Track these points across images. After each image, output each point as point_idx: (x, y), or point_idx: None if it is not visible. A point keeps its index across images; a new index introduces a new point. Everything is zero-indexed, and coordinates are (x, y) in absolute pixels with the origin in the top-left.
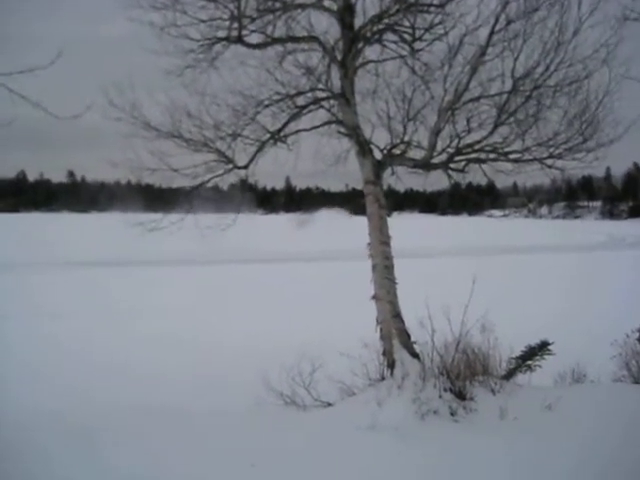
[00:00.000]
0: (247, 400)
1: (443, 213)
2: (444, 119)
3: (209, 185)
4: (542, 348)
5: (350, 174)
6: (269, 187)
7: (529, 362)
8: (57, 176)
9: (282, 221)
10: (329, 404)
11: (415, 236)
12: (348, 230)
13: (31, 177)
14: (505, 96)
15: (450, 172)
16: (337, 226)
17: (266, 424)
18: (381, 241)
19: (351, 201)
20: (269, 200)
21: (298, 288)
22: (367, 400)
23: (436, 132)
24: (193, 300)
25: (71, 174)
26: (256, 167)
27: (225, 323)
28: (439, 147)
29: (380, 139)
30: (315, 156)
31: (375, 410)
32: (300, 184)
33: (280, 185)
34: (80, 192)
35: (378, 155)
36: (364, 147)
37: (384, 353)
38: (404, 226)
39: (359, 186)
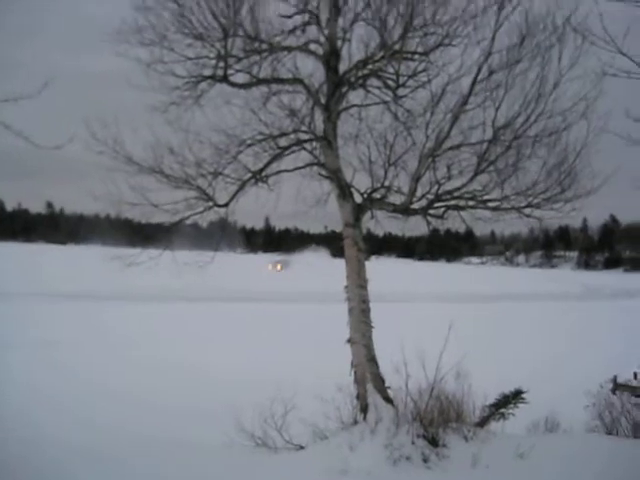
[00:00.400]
0: (221, 436)
1: (421, 258)
2: (425, 165)
3: (188, 222)
4: (516, 396)
5: (330, 216)
6: (249, 226)
7: (503, 410)
8: (35, 206)
9: (261, 261)
10: (301, 447)
11: (393, 280)
12: (328, 272)
13: (9, 206)
14: (486, 145)
15: (429, 218)
16: (317, 267)
17: (237, 465)
18: (358, 284)
19: (330, 243)
20: (248, 239)
21: (275, 328)
22: (339, 444)
23: (416, 178)
24: (176, 335)
25: (50, 205)
26: (236, 206)
27: (206, 358)
28: (419, 193)
29: (361, 183)
30: (296, 197)
31: (347, 454)
32: (280, 224)
33: (260, 225)
34: (58, 223)
35: (358, 198)
36: (345, 190)
37: (358, 397)
38: (382, 270)
39: (339, 228)
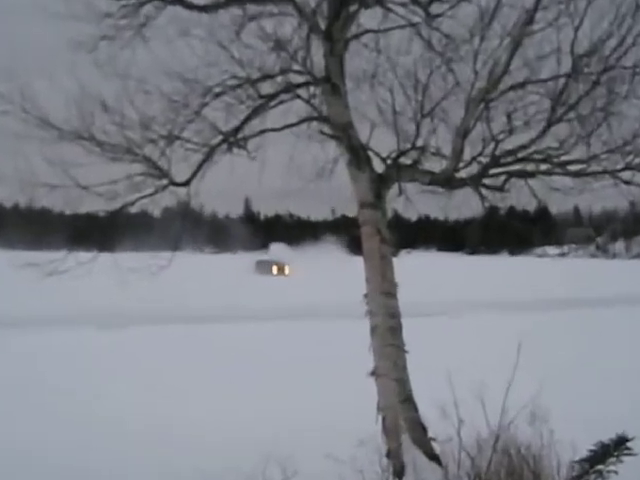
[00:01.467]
0: None
1: (473, 251)
2: (474, 114)
3: (133, 209)
4: (619, 446)
5: (339, 194)
6: (221, 213)
7: (601, 467)
8: None
9: (241, 263)
10: None
11: (433, 284)
12: (341, 275)
13: None
14: (562, 81)
15: (483, 191)
16: (326, 269)
17: None
18: (383, 291)
19: (338, 233)
20: (221, 232)
21: (265, 358)
22: None
23: (463, 133)
24: (119, 375)
25: None
26: (202, 184)
27: (171, 409)
28: (467, 155)
29: (382, 143)
30: (288, 168)
31: None
32: (266, 209)
33: (237, 210)
34: None
35: (379, 166)
36: (359, 155)
37: (388, 454)
38: (417, 270)
39: (352, 211)
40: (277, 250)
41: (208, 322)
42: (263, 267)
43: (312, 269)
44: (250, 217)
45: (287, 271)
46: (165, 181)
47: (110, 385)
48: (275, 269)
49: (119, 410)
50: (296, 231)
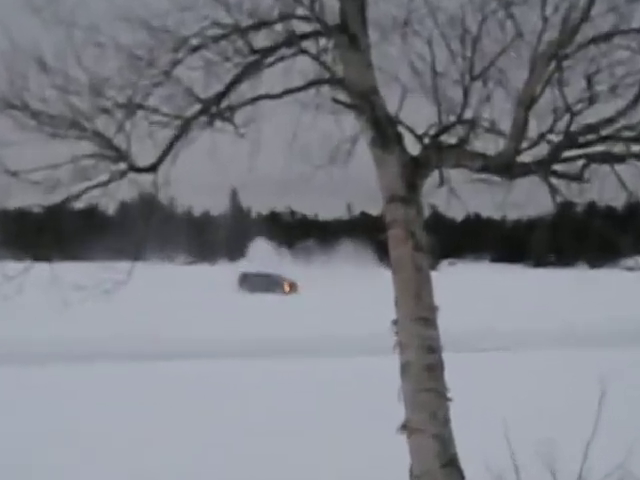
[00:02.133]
0: None
1: (539, 263)
2: (542, 77)
3: (80, 205)
4: None
5: (357, 185)
6: (199, 210)
7: None
8: None
9: (223, 278)
10: None
11: (485, 308)
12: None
13: None
14: None
15: (554, 181)
16: (340, 285)
17: None
18: (419, 317)
19: (356, 237)
20: (198, 236)
21: (255, 410)
22: None
23: (527, 103)
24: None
25: None
26: (173, 170)
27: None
28: (533, 132)
29: (418, 116)
30: (290, 150)
31: None
32: (260, 205)
33: (220, 207)
34: None
35: (414, 147)
36: (386, 131)
37: None
38: (463, 288)
39: (376, 208)
40: (260, 252)
41: (178, 358)
42: (251, 282)
43: (320, 285)
44: (238, 215)
45: (286, 288)
46: (123, 165)
47: None
48: (297, 286)
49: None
50: (300, 233)
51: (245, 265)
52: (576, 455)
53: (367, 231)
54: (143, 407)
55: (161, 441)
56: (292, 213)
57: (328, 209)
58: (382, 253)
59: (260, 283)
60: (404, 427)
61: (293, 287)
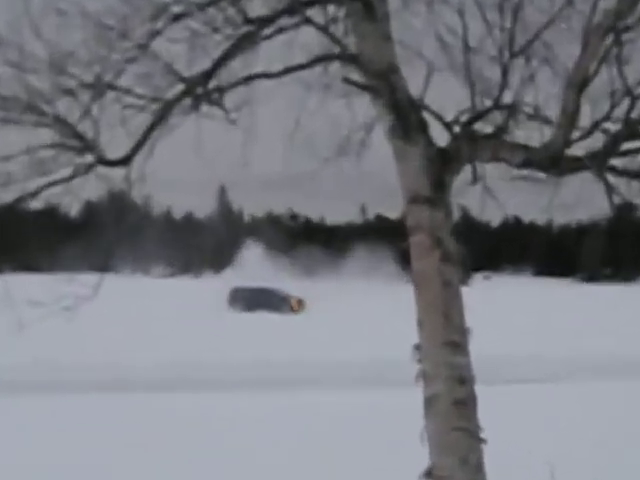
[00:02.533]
0: None
1: (592, 277)
2: (597, 53)
3: (36, 204)
4: None
5: (372, 183)
6: (180, 211)
7: None
8: None
9: (208, 293)
10: None
11: (527, 331)
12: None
13: None
14: None
15: (611, 178)
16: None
17: None
18: (447, 342)
19: (371, 243)
20: (179, 242)
21: (249, 452)
22: None
23: (579, 84)
24: None
25: None
26: (150, 164)
27: None
28: (585, 119)
29: (446, 99)
30: (291, 140)
31: None
32: (253, 205)
33: (206, 207)
34: None
35: (441, 137)
36: (408, 117)
37: None
38: (500, 306)
39: (394, 211)
40: (253, 259)
41: (153, 390)
42: (245, 299)
43: (329, 302)
44: (227, 217)
45: (294, 306)
46: (90, 157)
47: None
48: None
49: None
50: (302, 240)
51: (233, 277)
52: None
53: (384, 238)
54: (116, 447)
55: None
56: (293, 216)
57: (337, 212)
58: (403, 264)
59: (256, 300)
60: (428, 474)
61: (301, 305)
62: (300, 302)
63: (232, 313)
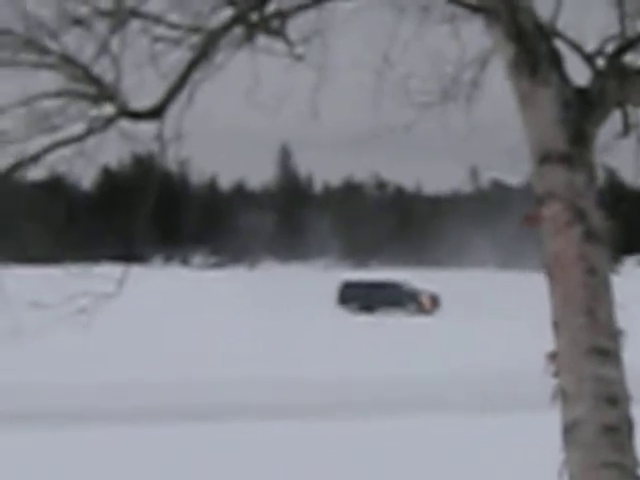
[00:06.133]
0: None
1: None
2: None
3: (40, 172)
4: None
5: (486, 140)
6: (229, 183)
7: None
8: None
9: (276, 289)
10: None
11: None
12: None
13: None
14: None
15: None
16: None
17: None
18: (592, 347)
19: (486, 219)
20: (229, 223)
21: None
22: None
23: None
24: None
25: None
26: (188, 118)
27: None
28: None
29: (586, 24)
30: (378, 82)
31: None
32: (326, 171)
33: (263, 176)
34: None
35: (581, 75)
36: (535, 49)
37: None
38: None
39: (517, 176)
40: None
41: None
42: (360, 296)
43: (460, 299)
44: (292, 188)
45: (425, 304)
46: (110, 108)
47: None
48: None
49: None
50: (394, 217)
51: (344, 271)
52: None
53: (503, 211)
54: None
55: None
56: (381, 185)
57: (440, 177)
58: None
59: (376, 297)
60: None
61: (435, 302)
62: (434, 299)
63: (345, 314)
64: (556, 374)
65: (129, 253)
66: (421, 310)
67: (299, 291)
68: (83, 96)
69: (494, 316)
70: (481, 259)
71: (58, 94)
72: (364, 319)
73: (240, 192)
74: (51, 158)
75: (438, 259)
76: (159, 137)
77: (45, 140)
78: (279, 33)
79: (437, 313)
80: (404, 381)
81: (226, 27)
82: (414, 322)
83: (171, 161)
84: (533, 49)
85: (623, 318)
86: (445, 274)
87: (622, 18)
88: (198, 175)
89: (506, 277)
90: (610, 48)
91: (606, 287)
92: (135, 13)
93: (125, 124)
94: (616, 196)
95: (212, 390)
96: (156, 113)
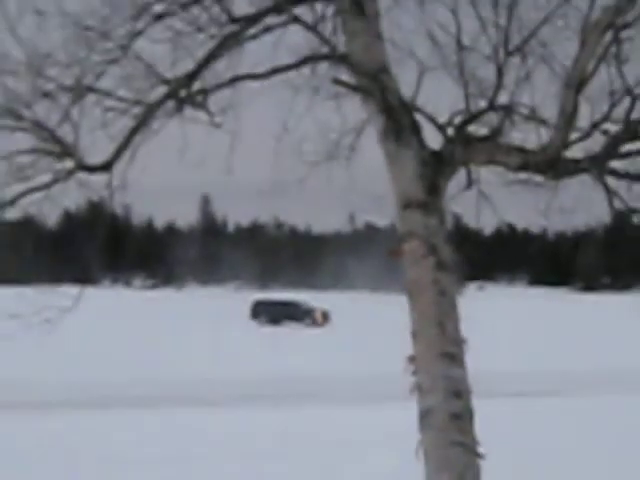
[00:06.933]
0: None
1: (589, 286)
2: (595, 52)
3: (13, 214)
4: None
5: (362, 188)
6: (162, 221)
7: None
8: None
9: (197, 306)
10: None
11: (524, 343)
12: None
13: None
14: None
15: (611, 182)
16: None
17: None
18: (442, 352)
19: (361, 252)
20: (161, 253)
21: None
22: None
23: (577, 84)
24: None
25: None
26: (131, 170)
27: None
28: (584, 120)
29: (440, 100)
30: (278, 145)
31: None
32: (239, 214)
33: (189, 217)
34: None
35: (435, 140)
36: (400, 120)
37: None
38: (496, 317)
39: (384, 218)
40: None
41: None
42: (268, 312)
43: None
44: (210, 227)
45: (318, 318)
46: (70, 163)
47: None
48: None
49: None
50: (290, 250)
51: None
52: None
53: (374, 247)
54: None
55: None
56: (279, 225)
57: (325, 220)
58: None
59: (279, 313)
60: None
61: (326, 317)
62: (325, 314)
63: (256, 326)
64: (414, 373)
65: (84, 276)
66: (315, 323)
67: (217, 307)
68: (50, 153)
69: (371, 328)
70: (358, 284)
71: (30, 151)
72: (271, 330)
73: (171, 230)
74: (24, 202)
75: (324, 283)
76: (108, 186)
77: (19, 187)
78: (202, 106)
79: (327, 326)
80: (301, 378)
81: (161, 101)
82: (309, 332)
83: (117, 205)
84: (398, 120)
85: (466, 329)
86: (333, 295)
87: (466, 97)
88: (138, 216)
89: (378, 297)
90: (457, 120)
91: (453, 306)
92: (91, 89)
93: (82, 176)
94: (461, 236)
95: (141, 384)
96: (106, 167)
